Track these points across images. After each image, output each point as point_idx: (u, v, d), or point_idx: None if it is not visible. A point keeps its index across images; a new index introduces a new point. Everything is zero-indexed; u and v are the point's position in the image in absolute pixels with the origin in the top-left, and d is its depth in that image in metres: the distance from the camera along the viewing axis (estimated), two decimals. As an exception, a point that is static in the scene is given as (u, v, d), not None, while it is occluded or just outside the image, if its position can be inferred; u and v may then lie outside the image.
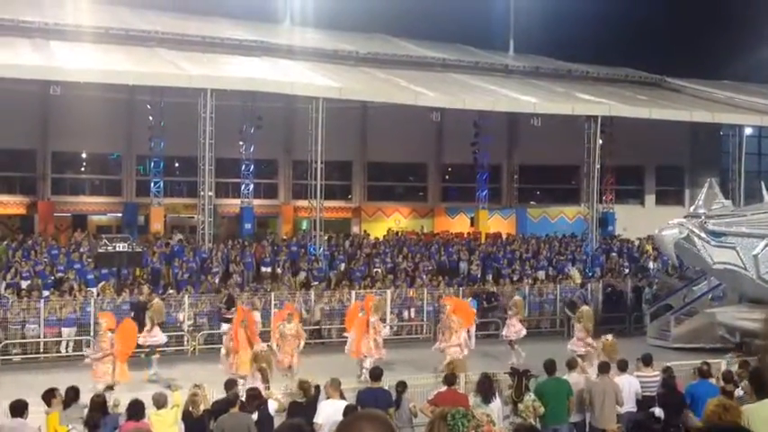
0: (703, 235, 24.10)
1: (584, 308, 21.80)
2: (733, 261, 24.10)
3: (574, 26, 45.04)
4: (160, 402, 11.76)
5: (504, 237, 38.47)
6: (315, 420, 11.17)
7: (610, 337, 17.57)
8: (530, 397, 12.02)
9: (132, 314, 23.30)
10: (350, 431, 2.53)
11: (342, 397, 11.75)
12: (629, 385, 13.54)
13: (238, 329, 18.41)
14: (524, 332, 22.90)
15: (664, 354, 15.37)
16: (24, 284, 25.40)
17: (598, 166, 35.76)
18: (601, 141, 36.09)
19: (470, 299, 26.31)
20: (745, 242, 24.21)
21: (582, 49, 45.68)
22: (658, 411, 12.58)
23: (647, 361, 14.48)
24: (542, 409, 12.03)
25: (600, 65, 45.84)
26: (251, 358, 16.06)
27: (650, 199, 44.90)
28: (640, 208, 43.90)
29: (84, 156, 37.96)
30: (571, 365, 13.95)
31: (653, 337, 26.72)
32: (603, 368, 13.48)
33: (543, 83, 41.35)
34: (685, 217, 25.36)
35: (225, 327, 23.75)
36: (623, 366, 13.98)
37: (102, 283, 25.95)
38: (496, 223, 41.48)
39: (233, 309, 23.58)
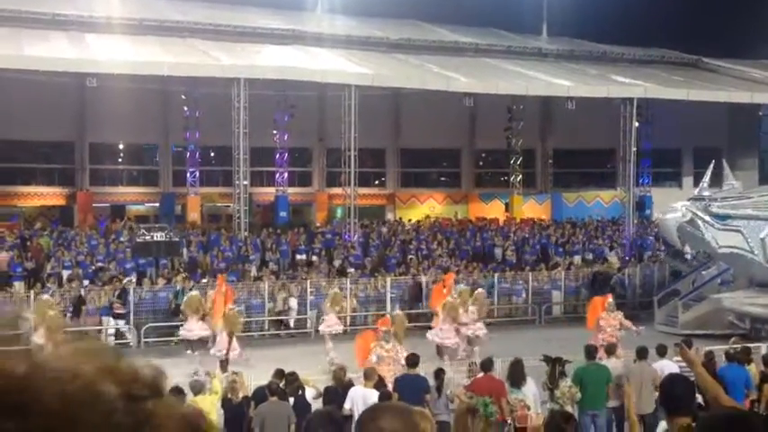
0: (707, 218, 23.38)
1: (396, 312, 19.83)
2: (739, 245, 23.34)
3: (608, 8, 44.41)
4: (196, 389, 11.90)
5: (538, 221, 38.22)
6: (344, 406, 11.28)
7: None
8: (566, 383, 11.98)
9: (71, 308, 23.49)
10: (369, 421, 2.59)
11: (378, 385, 11.79)
12: (668, 371, 13.40)
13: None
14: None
15: (672, 340, 15.04)
16: (65, 274, 25.86)
17: (634, 149, 35.34)
18: (637, 124, 35.65)
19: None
20: (751, 225, 23.41)
21: (616, 31, 45.04)
22: (700, 400, 12.45)
23: (687, 346, 14.30)
24: (579, 395, 11.98)
25: (635, 46, 45.19)
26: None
27: (688, 181, 44.22)
28: (678, 191, 43.25)
29: (120, 146, 38.46)
30: (610, 351, 13.88)
31: (661, 323, 25.60)
32: (641, 353, 13.37)
33: (577, 66, 40.91)
34: (689, 200, 24.74)
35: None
36: (662, 351, 13.85)
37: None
38: (531, 208, 41.22)
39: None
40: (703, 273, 27.93)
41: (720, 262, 26.32)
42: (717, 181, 26.37)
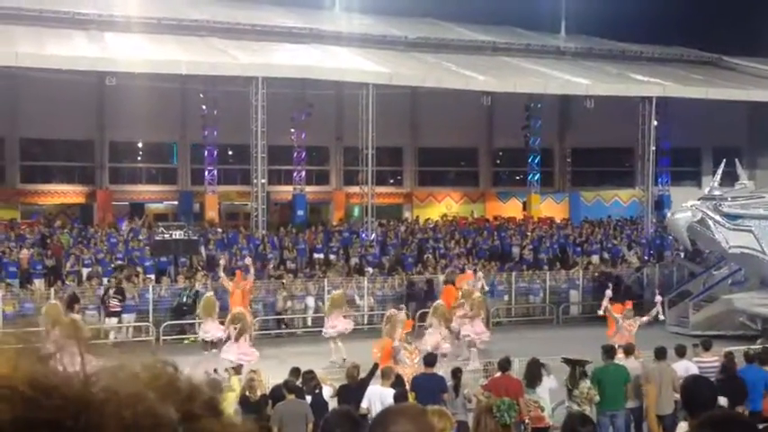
0: (718, 218, 23.16)
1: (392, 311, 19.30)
2: (750, 245, 23.12)
3: (626, 6, 44.17)
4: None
5: (557, 221, 38.07)
6: (362, 405, 11.29)
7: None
8: (585, 384, 11.95)
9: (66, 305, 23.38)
10: (380, 426, 2.56)
11: (395, 384, 11.79)
12: (687, 371, 13.32)
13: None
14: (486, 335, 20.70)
15: (684, 342, 14.88)
16: (85, 272, 26.05)
17: (653, 148, 35.15)
18: (656, 122, 35.45)
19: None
20: (762, 225, 23.19)
21: (635, 29, 44.77)
22: (723, 401, 12.38)
23: (706, 346, 14.25)
24: (597, 397, 11.93)
25: (654, 44, 44.90)
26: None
27: (707, 181, 43.69)
28: (697, 190, 42.88)
29: (140, 145, 38.67)
30: (628, 351, 13.82)
31: (672, 324, 24.98)
32: (660, 354, 13.30)
33: (596, 64, 40.70)
34: (699, 199, 24.52)
35: (113, 320, 23.59)
36: (681, 352, 13.78)
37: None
38: (549, 207, 41.07)
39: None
40: (714, 273, 27.63)
41: (732, 262, 26.10)
42: (732, 180, 26.09)
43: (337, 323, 20.88)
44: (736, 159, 26.81)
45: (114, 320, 23.69)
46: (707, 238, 23.89)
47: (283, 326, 25.70)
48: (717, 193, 24.18)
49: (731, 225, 23.22)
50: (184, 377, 0.94)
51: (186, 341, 23.42)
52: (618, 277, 29.20)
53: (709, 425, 3.06)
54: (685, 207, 24.07)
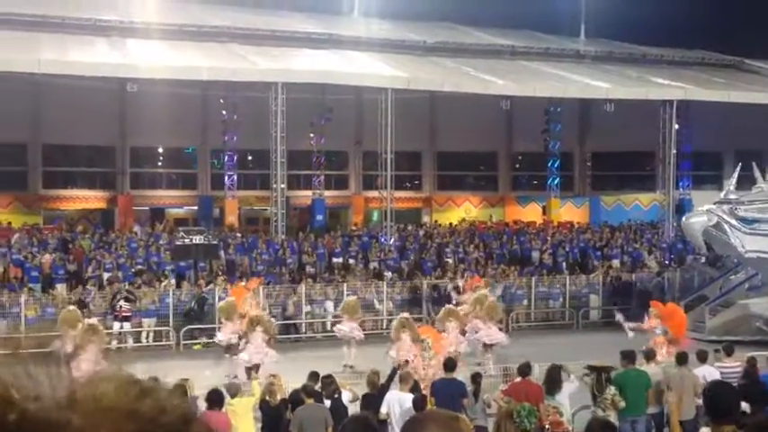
0: (734, 222, 22.91)
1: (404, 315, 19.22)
2: (766, 249, 22.78)
3: (647, 9, 43.92)
4: (231, 391, 11.98)
5: (576, 225, 37.88)
6: (381, 410, 11.26)
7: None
8: (611, 390, 11.87)
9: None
10: (411, 430, 2.53)
11: (413, 389, 11.77)
12: (709, 376, 13.20)
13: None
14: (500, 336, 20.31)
15: (701, 347, 14.64)
16: (106, 276, 26.23)
17: (674, 152, 34.90)
18: (677, 126, 35.21)
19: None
20: None
21: (656, 33, 44.47)
22: (745, 406, 12.24)
23: (728, 351, 14.10)
24: (623, 404, 11.83)
25: (675, 48, 44.59)
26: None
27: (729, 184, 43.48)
28: (718, 194, 42.51)
29: (160, 150, 38.94)
30: (649, 356, 13.72)
31: (688, 329, 25.06)
32: (682, 359, 13.19)
33: (616, 67, 40.50)
34: (715, 203, 24.23)
35: (125, 325, 23.43)
36: (703, 357, 13.65)
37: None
38: (569, 212, 40.87)
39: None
40: (731, 278, 27.32)
41: (748, 267, 25.80)
42: (750, 184, 25.77)
43: (344, 326, 20.84)
44: (754, 163, 26.54)
45: (127, 325, 23.67)
46: (723, 242, 23.65)
47: (293, 330, 25.64)
48: (733, 196, 23.93)
49: (747, 229, 22.97)
50: (152, 397, 0.89)
51: (196, 346, 23.47)
52: (629, 283, 29.05)
53: (755, 430, 3.04)
54: (701, 211, 23.86)
